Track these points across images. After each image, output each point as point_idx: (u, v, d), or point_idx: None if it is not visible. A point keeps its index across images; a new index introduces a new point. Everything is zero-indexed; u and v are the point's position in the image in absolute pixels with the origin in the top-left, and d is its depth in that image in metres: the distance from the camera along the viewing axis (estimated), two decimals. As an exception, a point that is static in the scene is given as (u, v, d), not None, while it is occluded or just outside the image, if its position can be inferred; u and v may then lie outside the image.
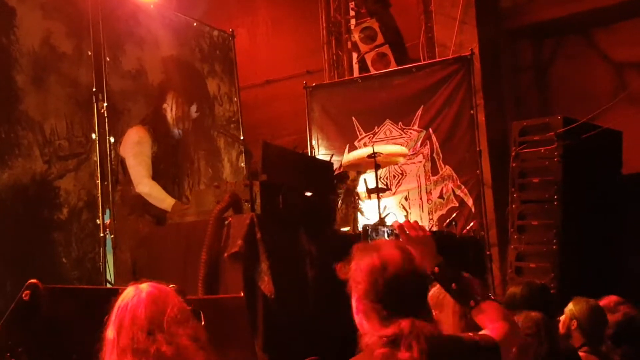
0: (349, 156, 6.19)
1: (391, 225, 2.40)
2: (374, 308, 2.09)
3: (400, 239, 2.37)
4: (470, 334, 2.25)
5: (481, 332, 2.27)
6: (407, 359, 1.96)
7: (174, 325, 2.09)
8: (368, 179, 6.44)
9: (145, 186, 4.64)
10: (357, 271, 2.15)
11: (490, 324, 2.29)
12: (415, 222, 2.46)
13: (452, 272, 2.37)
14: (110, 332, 2.09)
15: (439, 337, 2.12)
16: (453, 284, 2.35)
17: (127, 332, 2.06)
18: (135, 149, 4.71)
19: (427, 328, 2.07)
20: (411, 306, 2.11)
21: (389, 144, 7.59)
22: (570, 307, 4.26)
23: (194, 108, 4.90)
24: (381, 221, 5.98)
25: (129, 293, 2.15)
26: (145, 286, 2.17)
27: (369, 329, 2.10)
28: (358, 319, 2.16)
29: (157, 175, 4.74)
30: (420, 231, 2.39)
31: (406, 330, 2.00)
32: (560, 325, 4.23)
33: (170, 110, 4.82)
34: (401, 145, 7.59)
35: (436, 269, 2.35)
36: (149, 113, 5.08)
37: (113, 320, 2.10)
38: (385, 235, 2.18)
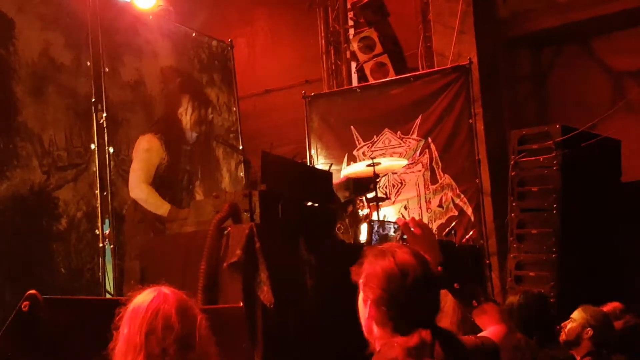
0: (349, 169, 6.18)
1: (395, 222, 2.39)
2: (391, 316, 2.06)
3: (405, 237, 2.39)
4: (472, 337, 2.27)
5: (481, 335, 2.29)
6: None
7: (205, 345, 2.06)
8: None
9: (142, 192, 4.64)
10: (372, 276, 2.09)
11: (490, 326, 2.34)
12: (420, 219, 2.48)
13: (454, 272, 2.39)
14: (133, 333, 2.03)
15: (457, 343, 2.13)
16: (455, 284, 2.37)
17: (158, 339, 2.01)
18: (142, 155, 4.72)
19: (447, 335, 2.07)
20: (428, 315, 2.10)
21: (388, 154, 7.61)
22: (581, 314, 4.12)
23: (210, 111, 4.89)
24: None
25: (156, 296, 2.08)
26: (169, 292, 2.11)
27: (382, 335, 2.09)
28: (368, 322, 2.13)
29: (169, 182, 4.73)
30: (424, 228, 2.42)
31: (428, 339, 1.99)
32: (567, 332, 4.11)
33: (186, 114, 4.80)
34: (400, 154, 7.62)
35: (439, 268, 2.36)
36: (160, 119, 5.03)
37: (139, 322, 2.04)
38: (392, 230, 2.19)
